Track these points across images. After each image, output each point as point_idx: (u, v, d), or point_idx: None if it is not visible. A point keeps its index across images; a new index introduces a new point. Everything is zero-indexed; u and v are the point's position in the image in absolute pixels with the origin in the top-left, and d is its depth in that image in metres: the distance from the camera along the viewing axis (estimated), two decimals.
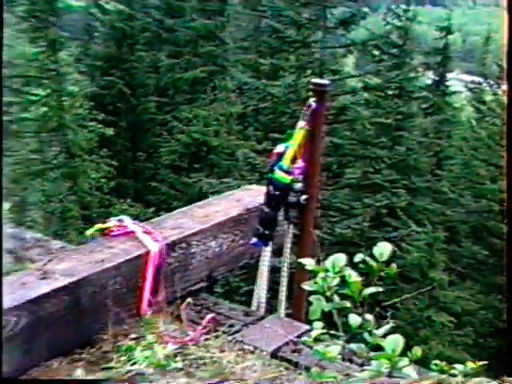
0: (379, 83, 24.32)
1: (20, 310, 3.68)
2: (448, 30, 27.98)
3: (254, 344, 4.14)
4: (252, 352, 4.07)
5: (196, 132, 24.04)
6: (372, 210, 21.70)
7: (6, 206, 5.43)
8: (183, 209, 5.24)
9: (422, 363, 3.13)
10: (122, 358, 3.77)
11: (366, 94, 24.59)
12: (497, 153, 22.00)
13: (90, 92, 24.79)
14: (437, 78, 29.28)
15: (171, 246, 4.54)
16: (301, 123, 4.93)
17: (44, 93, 22.51)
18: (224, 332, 4.24)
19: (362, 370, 3.00)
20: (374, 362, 2.85)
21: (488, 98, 26.79)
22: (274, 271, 5.25)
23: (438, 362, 3.09)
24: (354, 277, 2.96)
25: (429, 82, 29.38)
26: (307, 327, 4.36)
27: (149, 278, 4.34)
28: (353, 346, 2.99)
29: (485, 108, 25.97)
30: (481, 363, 3.06)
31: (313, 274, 3.04)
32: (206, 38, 26.82)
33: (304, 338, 3.89)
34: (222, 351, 3.99)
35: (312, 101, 4.92)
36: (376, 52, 24.88)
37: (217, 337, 4.14)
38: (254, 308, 5.12)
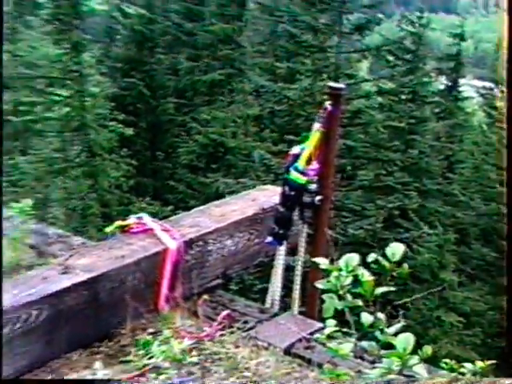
0: (393, 88, 24.28)
1: (41, 303, 3.70)
2: (461, 37, 27.90)
3: (268, 340, 4.14)
4: (266, 348, 4.07)
5: (213, 133, 24.05)
6: (384, 211, 21.65)
7: (30, 202, 5.42)
8: (200, 208, 5.25)
9: (432, 362, 3.13)
10: (140, 352, 3.77)
11: (379, 98, 24.54)
12: None
13: (111, 93, 24.86)
14: (449, 84, 29.20)
15: (188, 244, 4.55)
16: (316, 125, 4.93)
17: (67, 93, 22.57)
18: (239, 328, 4.25)
19: (373, 368, 3.00)
20: (384, 360, 2.84)
21: (499, 103, 26.66)
22: (288, 270, 5.25)
23: (447, 360, 3.09)
24: (366, 276, 2.96)
25: (441, 87, 29.29)
26: (320, 325, 4.36)
27: (166, 274, 4.35)
28: (364, 343, 2.99)
29: (496, 113, 25.83)
30: (489, 362, 3.06)
31: (326, 273, 3.03)
32: (225, 41, 26.82)
33: (317, 336, 3.89)
34: (237, 347, 3.99)
35: (328, 104, 4.92)
36: (390, 57, 24.81)
37: (232, 333, 4.14)
38: (268, 305, 5.12)
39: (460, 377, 2.94)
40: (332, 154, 5.13)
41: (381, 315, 2.98)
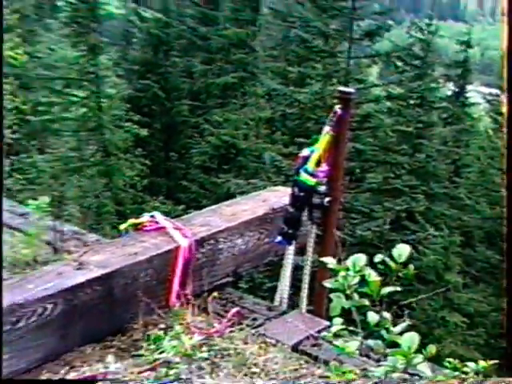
0: (401, 93, 24.24)
1: (56, 297, 3.72)
2: (468, 44, 27.88)
3: (276, 337, 4.14)
4: (274, 345, 4.07)
5: (226, 135, 24.06)
6: (392, 213, 21.60)
7: (46, 200, 5.44)
8: (212, 207, 5.25)
9: (436, 361, 3.12)
10: (151, 347, 3.78)
11: (388, 103, 24.50)
12: None
13: (126, 94, 24.91)
14: (457, 90, 29.15)
15: (200, 242, 4.56)
16: (326, 128, 4.92)
17: (84, 94, 22.65)
18: (248, 325, 4.25)
19: (379, 366, 3.00)
20: (390, 358, 2.85)
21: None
22: (297, 269, 5.24)
23: (451, 359, 3.08)
24: (373, 276, 2.96)
25: (449, 93, 29.24)
26: (327, 323, 4.36)
27: (178, 271, 4.35)
28: (370, 342, 2.99)
29: (501, 119, 25.76)
30: (491, 362, 3.05)
31: (334, 273, 3.04)
32: (238, 45, 26.83)
33: (324, 333, 3.90)
34: (246, 343, 3.99)
35: (337, 108, 4.91)
36: (399, 63, 24.79)
37: (241, 329, 4.15)
38: (276, 303, 5.11)
39: (466, 376, 2.94)
40: (341, 156, 5.12)
41: (387, 314, 2.98)
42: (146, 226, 4.60)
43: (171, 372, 3.55)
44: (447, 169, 25.13)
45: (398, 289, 2.97)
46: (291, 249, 5.12)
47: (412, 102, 24.06)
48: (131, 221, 4.66)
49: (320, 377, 3.65)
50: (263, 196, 5.52)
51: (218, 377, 3.59)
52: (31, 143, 23.82)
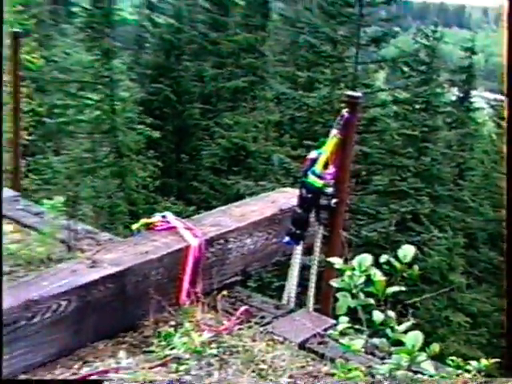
0: (407, 97, 24.24)
1: (70, 294, 3.73)
2: (472, 51, 27.84)
3: (284, 335, 4.14)
4: (281, 342, 4.07)
5: (236, 137, 24.09)
6: (397, 215, 21.57)
7: (61, 199, 5.47)
8: (222, 208, 5.25)
9: (439, 359, 3.12)
10: (162, 343, 3.79)
11: (394, 107, 24.49)
12: None
13: (139, 98, 24.98)
14: (461, 95, 29.09)
15: (210, 242, 4.56)
16: (333, 132, 4.91)
17: (98, 97, 22.72)
18: (256, 323, 4.24)
19: (383, 363, 3.00)
20: (394, 356, 2.85)
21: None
22: (304, 268, 5.23)
23: (454, 358, 3.08)
24: (378, 276, 2.96)
25: (454, 98, 29.20)
26: (333, 321, 4.35)
27: (188, 270, 4.36)
28: (375, 340, 2.99)
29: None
30: (493, 361, 3.05)
31: (340, 273, 3.03)
32: (248, 50, 26.87)
33: (330, 332, 3.91)
34: (254, 341, 3.99)
35: (345, 111, 4.91)
36: (405, 68, 24.82)
37: (249, 327, 4.15)
38: (284, 302, 5.10)
39: (472, 376, 2.94)
40: (348, 159, 5.11)
41: (391, 314, 2.98)
42: (157, 226, 4.60)
43: (181, 368, 3.55)
44: (451, 172, 25.09)
45: (403, 289, 2.97)
46: (299, 249, 5.12)
47: (418, 106, 24.06)
48: (143, 220, 4.66)
49: (326, 374, 3.65)
50: (272, 197, 5.52)
51: (226, 373, 3.60)
52: (47, 145, 23.90)
